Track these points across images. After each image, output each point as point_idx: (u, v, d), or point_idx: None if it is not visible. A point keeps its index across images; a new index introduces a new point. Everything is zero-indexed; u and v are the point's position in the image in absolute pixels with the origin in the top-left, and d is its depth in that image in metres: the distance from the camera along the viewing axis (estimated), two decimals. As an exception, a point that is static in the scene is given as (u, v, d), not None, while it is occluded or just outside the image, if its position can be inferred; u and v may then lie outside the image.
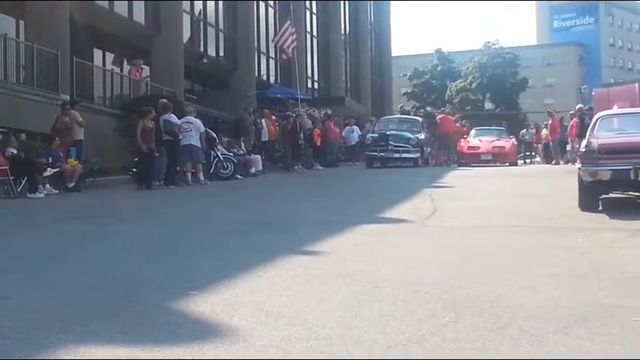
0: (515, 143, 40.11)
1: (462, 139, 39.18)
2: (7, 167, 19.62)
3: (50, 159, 21.17)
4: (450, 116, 44.92)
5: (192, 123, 24.57)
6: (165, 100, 24.88)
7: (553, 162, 36.15)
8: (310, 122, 36.78)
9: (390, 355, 5.24)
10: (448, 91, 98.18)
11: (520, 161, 45.44)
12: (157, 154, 22.97)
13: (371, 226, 12.87)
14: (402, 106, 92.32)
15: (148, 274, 8.53)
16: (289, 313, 6.42)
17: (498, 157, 36.18)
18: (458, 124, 48.55)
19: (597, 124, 15.70)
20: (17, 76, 26.16)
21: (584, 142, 15.16)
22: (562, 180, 19.36)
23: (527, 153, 46.58)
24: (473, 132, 41.69)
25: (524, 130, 48.39)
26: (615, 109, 19.70)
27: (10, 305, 6.83)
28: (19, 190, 19.77)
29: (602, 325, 6.04)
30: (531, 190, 19.39)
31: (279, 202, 18.48)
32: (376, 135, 35.42)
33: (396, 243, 11.11)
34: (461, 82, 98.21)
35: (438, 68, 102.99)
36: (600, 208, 14.27)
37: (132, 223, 14.19)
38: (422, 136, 35.86)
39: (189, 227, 13.31)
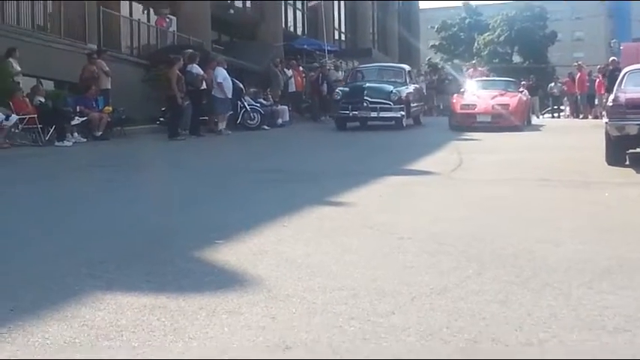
0: (526, 98, 28.80)
1: (456, 94, 28.76)
2: (36, 115, 19.73)
3: (78, 108, 21.24)
4: (480, 68, 44.02)
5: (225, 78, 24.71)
6: (190, 51, 24.83)
7: (581, 116, 35.91)
8: (339, 74, 36.44)
9: (414, 305, 5.26)
10: (476, 44, 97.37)
11: (548, 115, 45.09)
12: (187, 103, 22.99)
13: (397, 177, 12.87)
14: (429, 59, 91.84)
15: (174, 222, 8.60)
16: (313, 264, 6.45)
17: (500, 119, 25.40)
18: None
19: (625, 78, 15.55)
20: (45, 26, 26.17)
21: (611, 97, 15.06)
22: (590, 134, 19.24)
23: (555, 107, 46.17)
24: (472, 83, 31.02)
25: (553, 84, 47.84)
26: (644, 63, 19.48)
27: (39, 251, 6.93)
28: (47, 138, 19.89)
29: (626, 278, 6.05)
30: (558, 144, 19.30)
31: (305, 152, 18.50)
32: (347, 89, 27.28)
33: (421, 195, 11.11)
34: (489, 35, 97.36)
35: (466, 21, 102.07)
36: (627, 162, 14.19)
37: (159, 173, 14.24)
38: (408, 89, 27.44)
39: (215, 177, 13.37)
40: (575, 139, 20.33)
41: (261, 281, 5.86)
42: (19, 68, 20.59)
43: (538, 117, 41.03)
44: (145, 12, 35.71)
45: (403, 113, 25.94)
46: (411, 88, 28.17)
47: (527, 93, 30.72)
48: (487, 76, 38.72)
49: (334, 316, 5.00)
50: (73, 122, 20.65)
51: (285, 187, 11.85)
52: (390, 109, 25.72)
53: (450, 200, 10.60)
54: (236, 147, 20.66)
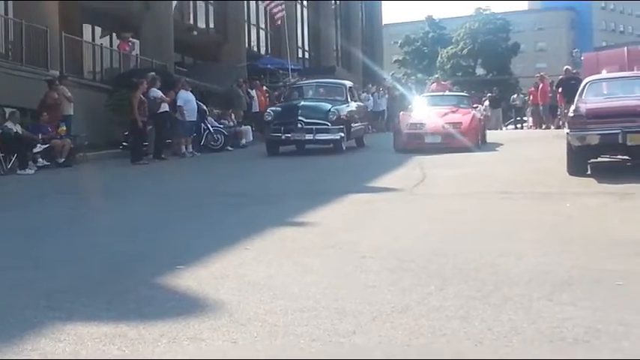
0: (480, 116, 26.02)
1: (401, 112, 26.17)
2: (-3, 144, 19.58)
3: (40, 135, 21.14)
4: (442, 82, 44.11)
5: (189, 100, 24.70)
6: (152, 74, 24.78)
7: (544, 126, 36.11)
8: None
9: (375, 325, 5.28)
10: (439, 58, 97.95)
11: (511, 126, 45.31)
12: (150, 127, 22.92)
13: (358, 195, 12.87)
14: (393, 74, 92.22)
15: (136, 249, 8.57)
16: (275, 285, 6.46)
17: (451, 140, 22.17)
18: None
19: (585, 88, 15.68)
20: (6, 53, 26.07)
21: (572, 107, 15.17)
22: (551, 145, 19.36)
23: (518, 118, 46.49)
24: (420, 100, 28.21)
25: (515, 95, 48.22)
26: (604, 74, 19.65)
27: (-2, 283, 6.87)
28: (8, 166, 19.74)
29: (587, 290, 6.11)
30: (520, 155, 19.39)
31: (268, 173, 18.43)
32: (280, 108, 24.64)
33: (383, 212, 11.15)
34: (452, 48, 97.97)
35: (430, 35, 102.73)
36: (589, 172, 14.30)
37: (121, 199, 14.16)
38: (349, 107, 24.57)
39: (177, 202, 13.32)
40: (537, 150, 20.41)
41: (223, 305, 5.86)
42: (-21, 97, 20.47)
43: (501, 129, 41.29)
44: (107, 36, 35.69)
45: (342, 135, 23.00)
46: (353, 106, 25.28)
47: (481, 109, 28.66)
48: (450, 90, 38.66)
49: (295, 338, 5.01)
50: (35, 150, 20.53)
51: (248, 209, 11.83)
52: (327, 131, 22.76)
53: (412, 216, 10.65)
54: (199, 170, 20.61)
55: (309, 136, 22.82)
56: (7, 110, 22.24)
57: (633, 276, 6.54)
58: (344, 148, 23.04)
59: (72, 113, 23.78)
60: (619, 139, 13.53)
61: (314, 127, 22.57)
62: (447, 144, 21.85)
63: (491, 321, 5.30)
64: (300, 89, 26.90)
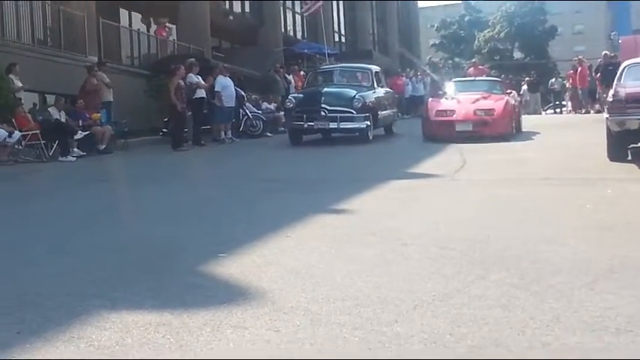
0: (514, 102, 24.44)
1: (431, 98, 24.63)
2: (39, 131, 19.77)
3: (80, 122, 21.30)
4: (480, 66, 43.63)
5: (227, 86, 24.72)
6: (192, 59, 24.88)
7: (583, 111, 35.83)
8: None
9: (417, 313, 5.29)
10: (476, 42, 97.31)
11: (550, 111, 44.93)
12: (189, 113, 23.02)
13: (400, 182, 12.90)
14: (430, 58, 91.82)
15: (178, 237, 8.63)
16: (317, 274, 6.49)
17: (483, 127, 21.16)
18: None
19: (624, 72, 15.56)
20: (45, 40, 26.26)
21: (611, 92, 15.06)
22: (591, 130, 19.21)
23: (557, 102, 46.09)
24: (450, 85, 26.15)
25: (554, 79, 47.79)
26: (644, 57, 19.48)
27: (42, 272, 6.95)
28: (50, 153, 19.92)
29: (629, 278, 6.08)
30: (560, 140, 19.30)
31: (308, 159, 18.47)
32: (302, 95, 23.40)
33: (424, 199, 11.15)
34: (489, 31, 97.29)
35: (466, 19, 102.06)
36: (629, 157, 14.21)
37: (161, 185, 14.26)
38: (376, 93, 23.36)
39: (218, 188, 13.38)
40: (576, 135, 20.32)
41: (266, 294, 5.89)
42: (20, 84, 20.64)
43: (540, 113, 41.01)
44: (145, 22, 35.83)
45: (369, 123, 21.69)
46: (380, 92, 24.02)
47: (515, 95, 26.62)
48: (488, 75, 38.10)
49: (338, 327, 5.03)
50: (76, 136, 20.68)
51: (289, 196, 11.88)
52: (352, 119, 21.55)
53: (453, 202, 10.64)
54: (238, 156, 20.63)
55: (332, 125, 21.63)
56: (50, 97, 22.46)
57: (676, 264, 6.51)
58: (370, 137, 21.89)
59: (111, 99, 23.96)
60: (659, 123, 13.49)
61: (338, 115, 21.46)
62: (478, 132, 20.88)
63: (532, 309, 5.29)
64: (324, 74, 25.67)
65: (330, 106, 21.50)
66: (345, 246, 7.63)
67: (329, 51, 42.24)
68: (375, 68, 25.49)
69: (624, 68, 15.83)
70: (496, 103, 22.10)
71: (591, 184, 11.93)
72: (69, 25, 26.30)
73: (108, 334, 5.01)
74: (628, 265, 6.49)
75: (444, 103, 22.57)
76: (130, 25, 34.30)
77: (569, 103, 40.83)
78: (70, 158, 19.65)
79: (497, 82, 27.12)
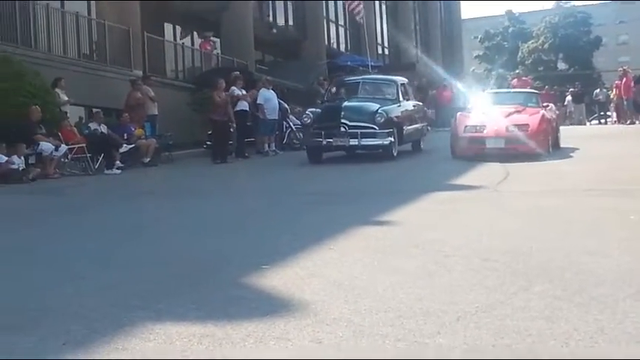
0: (551, 117, 21.99)
1: (460, 112, 22.47)
2: (85, 144, 19.98)
3: (125, 135, 21.49)
4: (524, 78, 43.38)
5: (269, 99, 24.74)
6: (236, 73, 25.07)
7: (628, 122, 35.54)
8: None
9: (460, 325, 5.29)
10: (520, 53, 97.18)
11: (595, 121, 44.63)
12: (234, 126, 23.14)
13: (441, 193, 12.89)
14: (473, 70, 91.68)
15: (221, 249, 8.68)
16: (360, 285, 6.49)
17: (517, 144, 19.18)
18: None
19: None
20: (91, 54, 26.56)
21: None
22: (633, 140, 19.08)
23: (602, 113, 45.80)
24: (481, 98, 24.53)
25: (598, 90, 47.45)
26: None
27: (88, 285, 7.01)
28: (96, 166, 20.11)
29: (674, 290, 6.04)
30: (604, 151, 19.18)
31: (350, 172, 18.45)
32: (319, 110, 21.65)
33: (467, 210, 11.12)
34: (533, 42, 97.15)
35: (509, 30, 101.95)
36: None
37: (206, 198, 14.35)
38: (401, 107, 21.90)
39: (261, 200, 13.44)
40: (621, 146, 20.16)
41: (308, 305, 5.90)
42: (65, 98, 20.89)
43: (585, 124, 40.77)
44: (188, 36, 36.10)
45: (392, 139, 20.22)
46: (406, 105, 22.50)
47: (553, 108, 23.90)
48: (531, 87, 37.67)
49: (381, 338, 5.03)
50: (122, 150, 20.87)
51: (331, 208, 11.91)
52: (374, 135, 20.02)
53: (495, 214, 10.61)
54: (281, 169, 20.66)
55: (353, 142, 20.09)
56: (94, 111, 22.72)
57: None
58: (395, 153, 20.44)
59: (156, 113, 24.18)
60: None
61: (359, 130, 19.90)
62: (511, 149, 19.00)
63: (576, 321, 5.26)
64: (345, 87, 23.84)
65: (350, 121, 20.04)
66: (387, 258, 7.63)
67: (372, 63, 42.22)
68: (400, 80, 23.75)
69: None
70: (531, 117, 20.15)
71: (635, 195, 11.87)
72: (114, 40, 26.58)
73: (152, 346, 5.06)
74: (673, 276, 6.46)
75: (474, 118, 20.62)
76: (175, 38, 34.58)
77: (614, 114, 40.55)
78: (115, 171, 19.81)
79: (534, 94, 24.56)
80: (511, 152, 18.74)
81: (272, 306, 5.94)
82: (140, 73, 26.40)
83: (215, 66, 32.98)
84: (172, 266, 7.71)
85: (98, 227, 11.05)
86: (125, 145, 21.11)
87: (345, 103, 21.07)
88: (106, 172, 19.75)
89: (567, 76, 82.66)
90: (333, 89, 24.32)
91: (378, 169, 18.53)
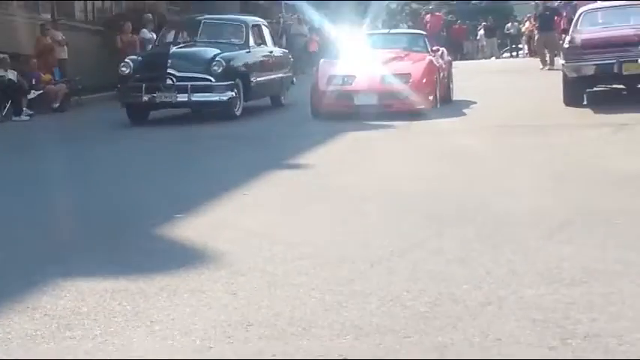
0: (441, 63, 17.21)
1: (322, 61, 17.69)
2: (-10, 91, 19.51)
3: (33, 81, 21.03)
4: (437, 13, 43.41)
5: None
6: (147, 15, 24.69)
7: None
8: (303, 28, 35.01)
9: (375, 271, 5.30)
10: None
11: (506, 54, 45.05)
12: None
13: (354, 133, 12.82)
14: (387, 4, 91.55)
15: (132, 198, 8.56)
16: (274, 233, 6.47)
17: (394, 100, 15.06)
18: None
19: (580, 18, 15.56)
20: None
21: (567, 38, 15.12)
22: (546, 75, 19.29)
23: (514, 46, 46.33)
24: (353, 41, 19.84)
25: (510, 24, 47.92)
26: (599, 3, 19.45)
27: (-1, 237, 6.86)
28: (4, 114, 19.66)
29: (585, 229, 6.14)
30: (515, 86, 19.33)
31: (262, 114, 18.07)
32: (140, 58, 17.35)
33: (380, 151, 11.13)
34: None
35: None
36: (585, 102, 14.31)
37: (114, 144, 14.01)
38: (250, 53, 17.63)
39: (174, 146, 13.21)
40: (532, 80, 20.37)
41: (223, 255, 5.85)
42: (-29, 44, 20.34)
43: (497, 58, 41.20)
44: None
45: (234, 94, 16.10)
46: (259, 51, 18.29)
47: (445, 53, 18.85)
48: (443, 22, 37.71)
49: (295, 288, 5.02)
50: (30, 96, 20.43)
51: (244, 152, 11.74)
52: (209, 89, 15.96)
53: (409, 155, 10.65)
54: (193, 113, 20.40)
55: (182, 98, 15.94)
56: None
57: (631, 214, 6.54)
58: (238, 112, 16.45)
59: (66, 57, 23.65)
60: (614, 69, 13.58)
61: (189, 83, 15.82)
62: (387, 107, 15.07)
63: (489, 264, 5.32)
64: (181, 29, 19.75)
65: (179, 71, 15.92)
66: (301, 203, 7.65)
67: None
68: (252, 20, 19.28)
69: (580, 15, 15.83)
70: (414, 65, 15.97)
71: (547, 131, 12.07)
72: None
73: (63, 303, 4.95)
74: (583, 215, 6.56)
75: (341, 67, 16.34)
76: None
77: (526, 47, 40.94)
78: (23, 118, 19.39)
79: (421, 35, 19.21)
80: (388, 110, 14.93)
81: (186, 257, 5.89)
82: (48, 16, 25.78)
83: (126, 8, 32.37)
84: (84, 219, 7.54)
85: (10, 177, 10.71)
86: (33, 91, 20.65)
87: (174, 49, 16.95)
88: (14, 118, 19.31)
89: (481, 9, 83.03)
90: (164, 32, 19.79)
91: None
